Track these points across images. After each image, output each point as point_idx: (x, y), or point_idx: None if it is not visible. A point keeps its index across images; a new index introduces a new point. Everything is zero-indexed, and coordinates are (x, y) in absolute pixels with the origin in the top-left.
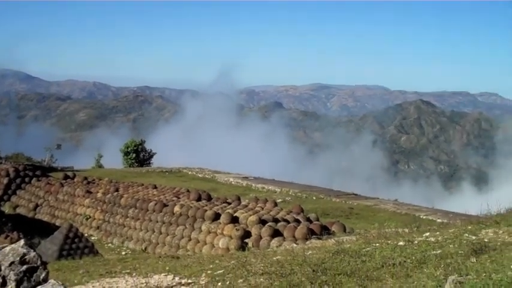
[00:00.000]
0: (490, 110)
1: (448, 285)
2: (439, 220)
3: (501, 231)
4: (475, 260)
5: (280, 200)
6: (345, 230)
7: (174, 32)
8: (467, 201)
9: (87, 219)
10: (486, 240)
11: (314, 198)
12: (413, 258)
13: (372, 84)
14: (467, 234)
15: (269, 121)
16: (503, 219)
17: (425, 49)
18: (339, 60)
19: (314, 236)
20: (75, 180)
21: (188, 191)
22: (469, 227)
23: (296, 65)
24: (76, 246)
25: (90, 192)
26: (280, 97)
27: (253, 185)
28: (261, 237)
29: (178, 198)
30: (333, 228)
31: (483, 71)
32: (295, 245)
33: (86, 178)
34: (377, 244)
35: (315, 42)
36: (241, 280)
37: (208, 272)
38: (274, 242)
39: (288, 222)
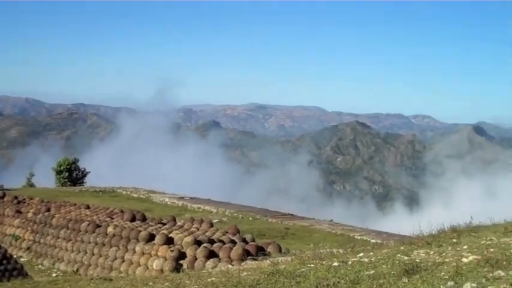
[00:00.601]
0: (423, 132)
1: None
2: (373, 240)
3: (432, 252)
4: (406, 280)
5: (216, 220)
6: (280, 251)
7: (111, 47)
8: (400, 221)
9: (16, 240)
10: (418, 260)
11: (250, 218)
12: (347, 278)
13: (309, 105)
14: (399, 255)
15: (206, 140)
16: (434, 240)
17: (360, 71)
18: (276, 81)
19: (250, 257)
20: (5, 199)
21: (122, 211)
22: (402, 248)
23: (234, 84)
24: (4, 268)
25: (20, 212)
26: (218, 116)
27: (189, 205)
28: (196, 259)
29: (112, 218)
30: (269, 249)
31: (417, 94)
32: (230, 266)
33: (16, 197)
34: (312, 265)
35: (254, 63)
36: None
37: None
38: (210, 263)
39: (223, 243)
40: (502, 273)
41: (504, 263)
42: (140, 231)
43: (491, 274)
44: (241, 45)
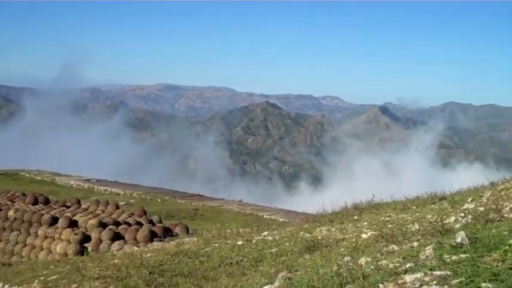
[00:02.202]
0: (332, 113)
1: (278, 282)
2: (281, 219)
3: (334, 229)
4: (308, 257)
5: (123, 202)
6: (188, 232)
7: (12, 25)
8: (308, 200)
9: None
10: (320, 237)
11: (159, 200)
12: (250, 257)
13: (220, 85)
14: (303, 232)
15: (114, 121)
16: (336, 217)
17: (271, 53)
18: (187, 61)
19: (156, 239)
20: None
21: (24, 194)
22: (305, 226)
23: (144, 64)
24: None
25: None
26: (126, 96)
27: (95, 187)
28: (101, 241)
29: (13, 202)
30: (176, 230)
31: (326, 76)
32: (136, 248)
33: None
34: (216, 244)
35: (163, 42)
36: (75, 285)
37: (41, 278)
38: (115, 245)
39: (129, 225)
40: (396, 248)
41: (399, 237)
42: (43, 214)
43: (386, 248)
44: (151, 25)
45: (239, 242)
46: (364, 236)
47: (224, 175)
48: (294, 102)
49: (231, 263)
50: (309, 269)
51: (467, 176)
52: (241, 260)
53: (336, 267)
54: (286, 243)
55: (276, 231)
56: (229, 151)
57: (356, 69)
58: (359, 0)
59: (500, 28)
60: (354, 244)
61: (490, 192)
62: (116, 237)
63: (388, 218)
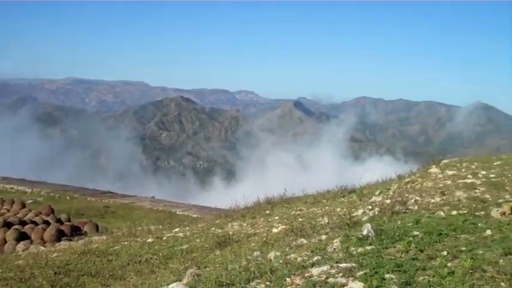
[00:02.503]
0: (247, 107)
1: (186, 278)
2: (194, 215)
3: (245, 224)
4: (218, 253)
5: (30, 201)
6: (97, 230)
7: None
8: (222, 195)
9: None
10: (231, 233)
11: (68, 198)
12: (160, 254)
13: (133, 80)
14: (214, 228)
15: (21, 116)
16: (248, 212)
17: (186, 46)
18: (97, 55)
19: (64, 238)
20: None
21: None
22: (217, 221)
23: (53, 57)
24: None
25: None
26: (34, 91)
27: (0, 185)
28: (5, 242)
29: None
30: (85, 229)
31: (241, 71)
32: (42, 247)
33: None
34: (126, 242)
35: (72, 35)
36: None
37: None
38: (20, 246)
39: (36, 224)
40: (305, 241)
41: (309, 231)
42: None
43: (295, 242)
44: (61, 18)
45: (149, 240)
46: (275, 230)
47: (137, 171)
48: (209, 96)
49: (140, 261)
50: (218, 265)
51: (377, 169)
52: (151, 258)
53: (245, 263)
54: (197, 240)
55: (187, 228)
56: (142, 147)
57: (271, 64)
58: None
59: (405, 25)
60: (264, 239)
61: (396, 185)
62: (22, 237)
63: (299, 212)
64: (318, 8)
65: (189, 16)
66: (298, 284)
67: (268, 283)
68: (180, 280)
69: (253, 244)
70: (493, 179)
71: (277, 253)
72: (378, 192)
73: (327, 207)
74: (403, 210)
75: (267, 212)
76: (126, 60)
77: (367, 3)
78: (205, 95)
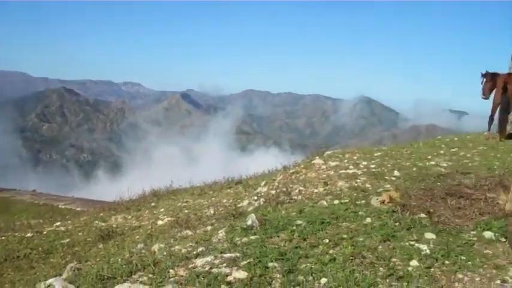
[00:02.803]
0: (133, 99)
1: (66, 273)
2: (78, 209)
3: (130, 216)
4: (101, 246)
5: None
6: None
7: None
8: (108, 187)
9: None
10: (115, 226)
11: None
12: (40, 249)
13: (11, 69)
14: (97, 221)
15: None
16: (133, 204)
17: (69, 35)
18: None
19: None
20: None
21: None
22: (101, 214)
23: None
24: None
25: None
26: None
27: None
28: None
29: None
30: None
31: (127, 62)
32: None
33: None
34: (3, 237)
35: None
36: None
37: None
38: None
39: None
40: (190, 233)
41: (194, 222)
42: None
43: (180, 234)
44: None
45: (28, 234)
46: (160, 222)
47: (16, 165)
48: (93, 88)
49: (19, 257)
50: (100, 259)
51: (264, 161)
52: (30, 253)
53: (127, 255)
54: (80, 233)
55: (69, 221)
56: (22, 139)
57: (158, 55)
58: None
59: (292, 22)
60: (148, 231)
61: (281, 176)
62: None
63: (185, 204)
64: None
65: (71, 4)
66: (182, 276)
67: (151, 275)
68: (60, 275)
69: (137, 237)
70: (374, 169)
71: (162, 245)
72: (263, 183)
73: (213, 199)
74: (288, 200)
75: (153, 204)
76: (3, 49)
77: None
78: (89, 86)
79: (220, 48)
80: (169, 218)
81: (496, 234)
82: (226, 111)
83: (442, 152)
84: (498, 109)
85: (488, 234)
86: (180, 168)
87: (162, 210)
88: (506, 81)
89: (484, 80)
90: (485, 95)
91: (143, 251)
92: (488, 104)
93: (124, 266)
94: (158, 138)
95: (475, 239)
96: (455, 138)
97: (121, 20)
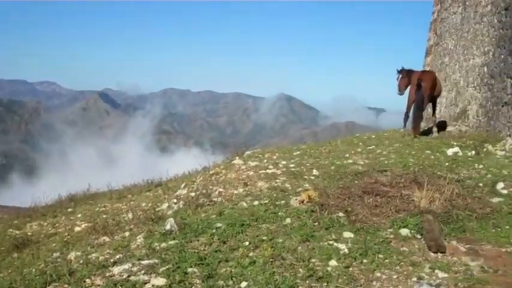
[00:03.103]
0: (50, 99)
1: None
2: None
3: (46, 223)
4: (16, 255)
5: None
6: None
7: None
8: (21, 193)
9: None
10: (30, 233)
11: None
12: None
13: None
14: (11, 229)
15: None
16: (49, 210)
17: None
18: None
19: None
20: None
21: None
22: (15, 222)
23: None
24: None
25: None
26: None
27: None
28: None
29: None
30: None
31: (42, 60)
32: None
33: None
34: None
35: None
36: None
37: None
38: None
39: None
40: (108, 239)
41: (113, 228)
42: None
43: (97, 241)
44: None
45: None
46: (77, 228)
47: None
48: (6, 87)
49: None
50: (14, 270)
51: (185, 161)
52: None
53: (42, 265)
54: None
55: None
56: None
57: (74, 54)
58: None
59: (214, 22)
60: (65, 238)
61: (201, 177)
62: None
63: (104, 209)
64: None
65: None
66: (99, 285)
67: (66, 286)
68: None
69: (53, 245)
70: (293, 169)
71: (78, 253)
72: (183, 185)
73: (132, 203)
74: (207, 203)
75: (70, 209)
76: None
77: None
78: (1, 85)
79: (138, 47)
80: (86, 224)
81: (412, 231)
82: (145, 110)
83: (359, 150)
84: (413, 106)
85: (404, 231)
86: (98, 170)
87: (79, 215)
88: (421, 78)
89: (400, 76)
90: (401, 91)
91: (59, 260)
92: (405, 100)
93: (38, 277)
94: (75, 140)
95: (391, 236)
96: (373, 136)
97: (35, 16)
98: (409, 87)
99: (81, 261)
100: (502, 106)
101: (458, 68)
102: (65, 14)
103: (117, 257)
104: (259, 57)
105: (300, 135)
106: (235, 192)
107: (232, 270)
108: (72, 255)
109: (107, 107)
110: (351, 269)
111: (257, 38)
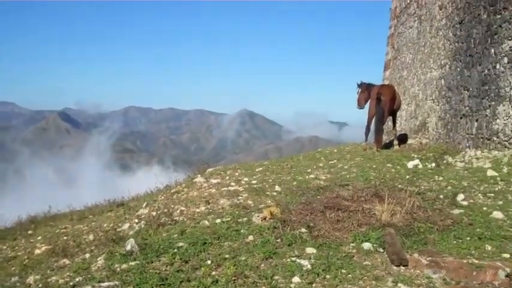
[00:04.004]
0: (8, 120)
1: None
2: None
3: (5, 247)
4: None
5: None
6: None
7: None
8: None
9: None
10: None
11: None
12: None
13: None
14: None
15: None
16: (9, 233)
17: None
18: None
19: None
20: None
21: None
22: None
23: None
24: None
25: None
26: None
27: None
28: None
29: None
30: None
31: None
32: None
33: None
34: None
35: None
36: None
37: None
38: None
39: None
40: (68, 262)
41: (73, 250)
42: None
43: (56, 264)
44: None
45: None
46: (37, 251)
47: None
48: None
49: None
50: None
51: (148, 180)
52: None
53: None
54: None
55: None
56: None
57: (33, 74)
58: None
59: (176, 39)
60: (24, 262)
61: (163, 196)
62: None
63: (64, 230)
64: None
65: None
66: None
67: None
68: None
69: (13, 268)
70: (255, 185)
71: (37, 277)
72: (145, 204)
73: (93, 223)
74: (169, 222)
75: (30, 232)
76: None
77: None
78: None
79: (99, 65)
80: (46, 247)
81: (374, 245)
82: (108, 129)
83: (321, 164)
84: (373, 120)
85: (366, 245)
86: (60, 191)
87: (39, 238)
88: (380, 92)
89: (359, 90)
90: (360, 105)
91: (17, 284)
92: (365, 114)
93: None
94: (35, 161)
95: (354, 251)
96: (335, 150)
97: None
98: (369, 101)
99: (40, 285)
100: (461, 118)
101: (417, 81)
102: (19, 31)
103: (77, 279)
104: (220, 74)
105: (264, 150)
106: (197, 210)
107: None
108: (31, 279)
109: (67, 126)
110: (314, 285)
111: (218, 56)
